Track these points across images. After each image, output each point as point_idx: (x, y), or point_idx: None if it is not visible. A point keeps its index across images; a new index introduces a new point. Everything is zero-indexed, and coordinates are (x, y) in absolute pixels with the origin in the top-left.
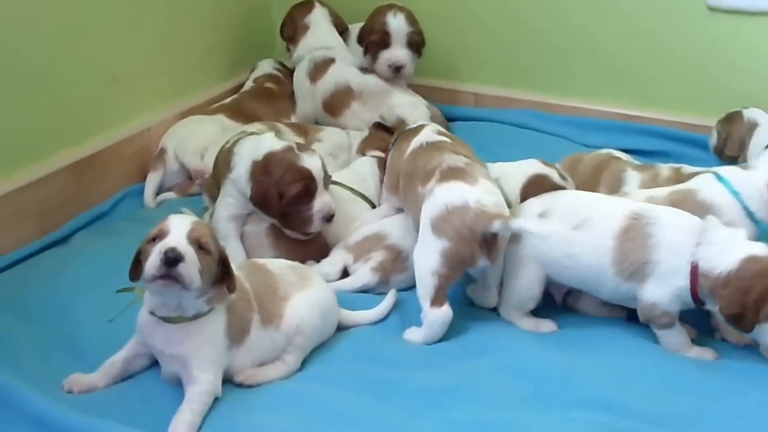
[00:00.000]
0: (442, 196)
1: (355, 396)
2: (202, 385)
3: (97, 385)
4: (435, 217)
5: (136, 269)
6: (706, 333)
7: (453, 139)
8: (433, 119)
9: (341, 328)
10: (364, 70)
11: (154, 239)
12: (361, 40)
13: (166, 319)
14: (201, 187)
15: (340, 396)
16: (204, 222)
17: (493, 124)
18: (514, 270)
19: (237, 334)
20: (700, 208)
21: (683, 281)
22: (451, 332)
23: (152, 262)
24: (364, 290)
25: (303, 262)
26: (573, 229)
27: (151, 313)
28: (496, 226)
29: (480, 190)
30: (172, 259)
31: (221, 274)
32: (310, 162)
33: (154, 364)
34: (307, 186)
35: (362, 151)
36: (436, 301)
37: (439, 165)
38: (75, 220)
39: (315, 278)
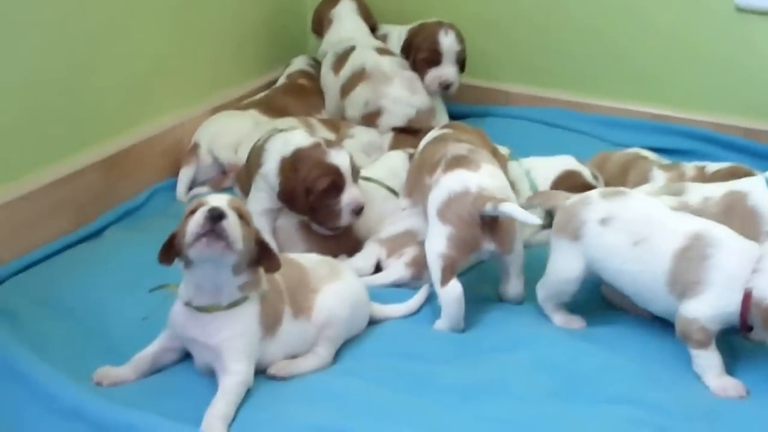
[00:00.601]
0: (445, 184)
1: (388, 390)
2: (236, 375)
3: (126, 379)
4: (440, 205)
5: (168, 251)
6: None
7: (457, 128)
8: (417, 119)
9: (373, 322)
10: (382, 51)
11: (192, 213)
12: (406, 52)
13: (202, 309)
14: (234, 182)
15: (372, 390)
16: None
17: (524, 122)
18: (560, 261)
19: (269, 324)
20: (748, 214)
21: (733, 307)
22: (482, 327)
23: (195, 220)
24: (397, 285)
25: (335, 256)
26: (632, 245)
27: (186, 304)
28: (487, 207)
29: (481, 175)
30: (217, 215)
31: (258, 255)
32: (338, 158)
33: (184, 358)
34: (335, 181)
35: (390, 147)
36: (444, 281)
37: (443, 156)
38: (108, 214)
39: (346, 271)
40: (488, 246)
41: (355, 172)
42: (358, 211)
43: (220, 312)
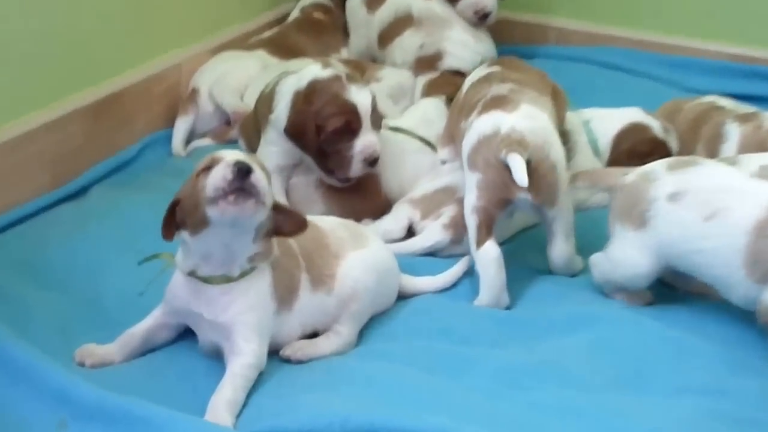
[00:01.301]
0: (477, 127)
1: (422, 375)
2: (246, 356)
3: (113, 359)
4: (470, 150)
5: (171, 223)
6: None
7: (507, 65)
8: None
9: (403, 296)
10: None
11: (206, 169)
12: None
13: (208, 280)
14: (239, 134)
15: (404, 375)
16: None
17: (578, 65)
18: (624, 252)
19: (284, 295)
20: None
21: None
22: (531, 304)
23: (220, 175)
24: (434, 251)
25: (358, 220)
26: (704, 221)
27: (190, 274)
28: (501, 154)
29: (516, 116)
30: (245, 169)
31: (273, 220)
32: (358, 96)
33: (183, 336)
34: (349, 122)
35: (427, 92)
36: (479, 241)
37: (483, 97)
38: (93, 170)
39: (370, 237)
40: (523, 194)
41: (377, 116)
42: (372, 161)
43: (229, 284)
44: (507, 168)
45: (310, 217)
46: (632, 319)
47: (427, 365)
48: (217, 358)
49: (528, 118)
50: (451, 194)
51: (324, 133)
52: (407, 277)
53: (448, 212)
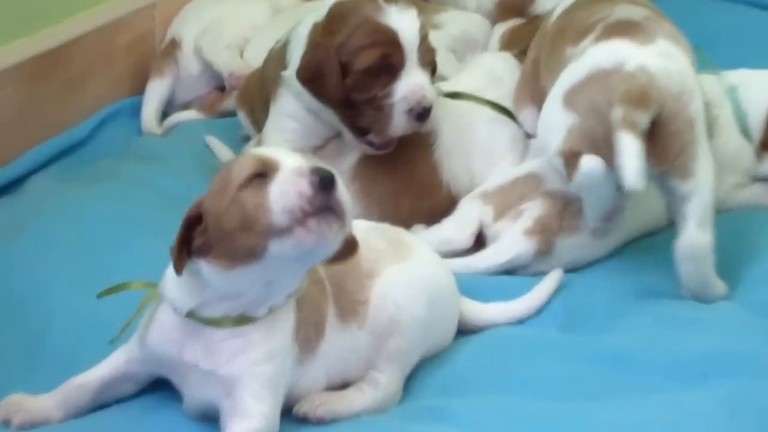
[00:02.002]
0: (591, 56)
1: None
2: (254, 420)
3: (49, 416)
4: (571, 84)
5: (186, 244)
6: None
7: None
8: None
9: (466, 329)
10: None
11: (258, 176)
12: None
13: (214, 322)
14: (238, 104)
15: None
16: None
17: (723, 3)
18: None
19: (308, 338)
20: None
21: None
22: (653, 340)
23: (294, 190)
24: (512, 269)
25: (407, 225)
26: None
27: (189, 315)
28: (614, 112)
29: (650, 52)
30: (329, 179)
31: None
32: (400, 20)
33: (147, 390)
34: (387, 56)
35: (507, 46)
36: (571, 166)
37: (605, 18)
38: (30, 154)
39: (417, 246)
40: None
41: (428, 50)
42: (422, 112)
43: (242, 327)
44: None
45: None
46: None
47: (501, 429)
48: (206, 421)
49: (665, 57)
50: (534, 184)
51: (352, 74)
52: (471, 303)
53: (531, 211)
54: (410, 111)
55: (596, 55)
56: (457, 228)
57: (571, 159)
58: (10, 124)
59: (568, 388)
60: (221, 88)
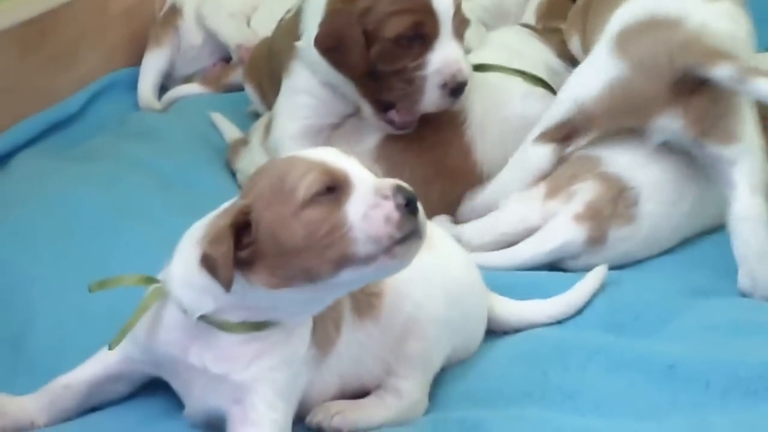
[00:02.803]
0: (647, 6)
1: None
2: (265, 429)
3: (31, 420)
4: (624, 28)
5: (233, 262)
6: None
7: None
8: None
9: (498, 329)
10: None
11: (329, 191)
12: None
13: (229, 327)
14: (245, 77)
15: None
16: None
17: None
18: None
19: (326, 335)
20: None
21: None
22: (710, 348)
23: (385, 214)
24: (560, 257)
25: (437, 213)
26: None
27: (202, 317)
28: (717, 71)
29: (715, 10)
30: (414, 201)
31: None
32: None
33: (143, 394)
34: (420, 24)
35: (543, 19)
36: (546, 136)
37: None
38: (17, 128)
39: (437, 237)
40: (669, 120)
41: (462, 19)
42: (456, 87)
43: (260, 332)
44: (672, 78)
45: None
46: None
47: None
48: (210, 429)
49: (725, 18)
50: (587, 165)
51: (379, 43)
52: (503, 300)
53: (582, 194)
54: (444, 85)
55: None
56: (498, 217)
57: (561, 127)
58: None
59: (614, 402)
60: (226, 60)
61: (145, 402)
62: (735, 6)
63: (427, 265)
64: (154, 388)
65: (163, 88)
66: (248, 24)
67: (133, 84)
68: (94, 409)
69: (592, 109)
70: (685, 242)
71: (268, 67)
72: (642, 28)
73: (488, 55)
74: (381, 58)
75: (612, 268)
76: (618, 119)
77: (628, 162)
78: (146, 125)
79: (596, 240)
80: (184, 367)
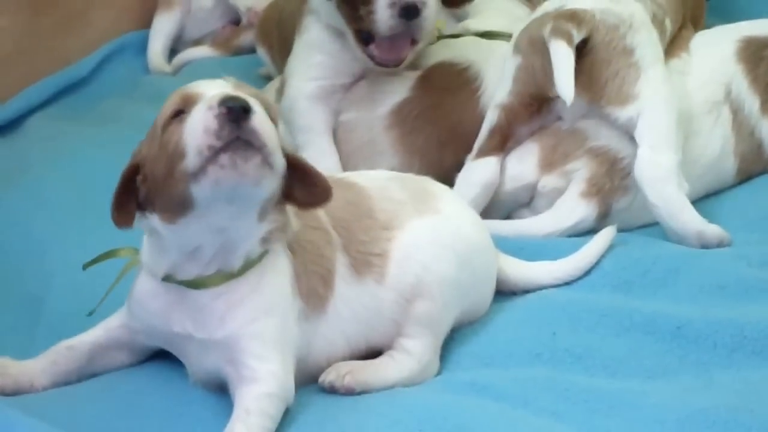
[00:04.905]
0: (541, 7)
1: (545, 422)
2: (263, 383)
3: (32, 382)
4: (520, 32)
5: (125, 201)
6: None
7: None
8: None
9: (507, 289)
10: None
11: (177, 115)
12: None
13: (195, 284)
14: (257, 39)
15: (515, 422)
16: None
17: None
18: None
19: (314, 289)
20: None
21: None
22: (723, 307)
23: (200, 126)
24: (576, 233)
25: (452, 178)
26: None
27: (166, 279)
28: (545, 30)
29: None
30: (239, 108)
31: (286, 185)
32: None
33: (157, 358)
34: None
35: None
36: (481, 150)
37: None
38: (28, 91)
39: (445, 196)
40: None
41: None
42: (405, 7)
43: (226, 284)
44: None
45: (345, 174)
46: None
47: (549, 407)
48: (218, 391)
49: (609, 0)
50: (580, 142)
51: None
52: (511, 261)
53: (580, 172)
54: (393, 4)
55: (546, 4)
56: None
57: (495, 133)
58: (7, 59)
59: (622, 363)
60: (236, 22)
61: (155, 366)
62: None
63: (435, 227)
64: (163, 356)
65: (173, 51)
66: None
67: (143, 47)
68: (95, 376)
69: (509, 104)
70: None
71: (278, 29)
72: (529, 24)
73: (494, 23)
74: None
75: (618, 230)
76: (531, 103)
77: (614, 132)
78: (157, 88)
79: (604, 214)
80: (173, 336)
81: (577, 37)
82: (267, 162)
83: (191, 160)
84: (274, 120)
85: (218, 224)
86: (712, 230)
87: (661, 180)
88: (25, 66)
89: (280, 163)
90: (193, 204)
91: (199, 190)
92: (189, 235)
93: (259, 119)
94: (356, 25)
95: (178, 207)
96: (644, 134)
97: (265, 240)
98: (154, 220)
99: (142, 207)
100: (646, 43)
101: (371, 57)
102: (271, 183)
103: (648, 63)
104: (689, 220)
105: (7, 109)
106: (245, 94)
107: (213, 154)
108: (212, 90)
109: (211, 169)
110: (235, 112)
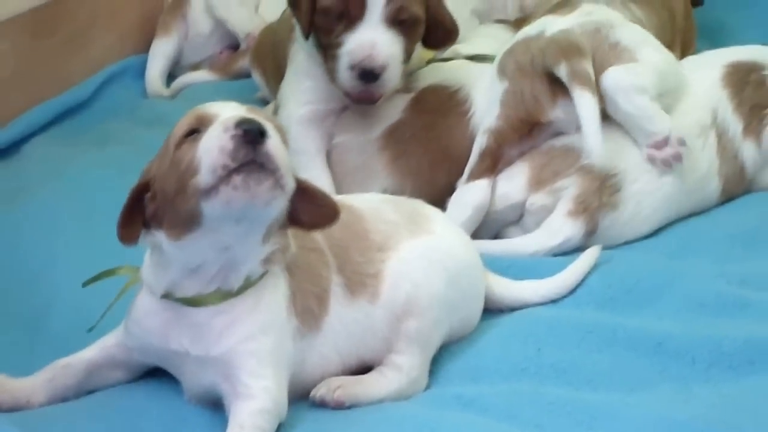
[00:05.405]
0: (522, 30)
1: None
2: (257, 400)
3: (29, 399)
4: (502, 55)
5: (132, 218)
6: None
7: None
8: None
9: (495, 307)
10: None
11: (191, 134)
12: None
13: (194, 302)
14: (252, 63)
15: None
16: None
17: None
18: None
19: (309, 308)
20: None
21: None
22: (700, 323)
23: (217, 145)
24: (563, 251)
25: (444, 200)
26: None
27: (165, 296)
28: (560, 70)
29: (569, 20)
30: (255, 132)
31: (292, 207)
32: None
33: (152, 376)
34: (345, 4)
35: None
36: (473, 174)
37: (547, 5)
38: (29, 114)
39: (436, 219)
40: (556, 113)
41: (400, 8)
42: (365, 73)
43: (225, 302)
44: (545, 78)
45: (343, 197)
46: None
47: (532, 419)
48: (213, 407)
49: (582, 15)
50: (571, 160)
51: (317, 11)
52: (499, 280)
53: (569, 191)
54: (352, 67)
55: (526, 28)
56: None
57: (485, 156)
58: (8, 82)
59: (605, 377)
60: (234, 47)
61: (151, 383)
62: (594, 6)
63: (426, 247)
64: (159, 373)
65: (171, 76)
66: (256, 11)
67: (143, 70)
68: (91, 393)
69: (498, 128)
70: (676, 222)
71: (272, 54)
72: (512, 48)
73: (483, 47)
74: (317, 27)
75: (604, 248)
76: (520, 127)
77: (607, 150)
78: (155, 112)
79: (590, 232)
80: (170, 354)
81: (590, 65)
82: (279, 185)
83: (204, 178)
84: (285, 143)
85: (224, 243)
86: (677, 138)
87: (634, 87)
88: (26, 89)
89: (290, 186)
90: (202, 221)
91: (210, 208)
92: (194, 252)
93: (274, 143)
94: (321, 53)
95: (185, 223)
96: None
97: (267, 261)
98: (159, 236)
99: (148, 224)
100: (630, 32)
101: (347, 95)
102: (280, 205)
103: (638, 44)
104: (660, 121)
105: (8, 131)
106: (259, 117)
107: (226, 174)
108: (227, 111)
109: (224, 189)
110: (251, 135)
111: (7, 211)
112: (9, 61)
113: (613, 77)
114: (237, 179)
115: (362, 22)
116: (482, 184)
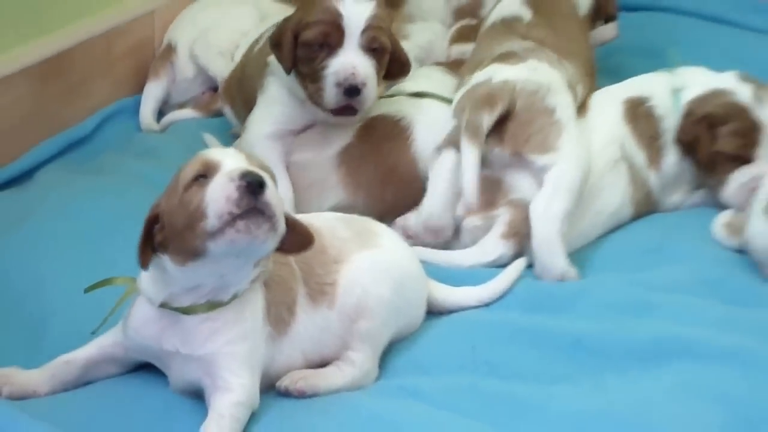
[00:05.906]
0: (473, 79)
1: (464, 421)
2: (235, 393)
3: (35, 389)
4: (457, 100)
5: (148, 247)
6: None
7: (542, 13)
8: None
9: (436, 310)
10: None
11: (198, 178)
12: None
13: (188, 310)
14: (223, 98)
15: (439, 421)
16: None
17: (675, 17)
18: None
19: (279, 317)
20: None
21: None
22: (617, 323)
23: (223, 195)
24: (495, 266)
25: (392, 213)
26: None
27: (163, 305)
28: (461, 117)
29: (515, 70)
30: (257, 183)
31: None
32: (350, 6)
33: (133, 371)
34: (326, 34)
35: (456, 40)
36: (452, 141)
37: (492, 54)
38: (36, 149)
39: (384, 234)
40: (494, 146)
41: (373, 37)
42: (350, 89)
43: (213, 311)
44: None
45: (301, 216)
46: (743, 349)
47: (468, 408)
48: (194, 397)
49: (528, 70)
50: (503, 193)
51: (300, 45)
52: (439, 287)
53: (503, 217)
54: (339, 85)
55: (476, 77)
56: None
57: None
58: (19, 122)
59: (532, 371)
60: (214, 89)
61: (142, 376)
62: (539, 62)
63: (375, 259)
64: (149, 367)
65: (161, 113)
66: (232, 59)
67: (136, 110)
68: (89, 384)
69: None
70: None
71: (239, 89)
72: (465, 93)
73: (423, 85)
74: (301, 59)
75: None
76: None
77: (529, 185)
78: (147, 145)
79: (519, 253)
80: (162, 353)
81: (491, 119)
82: (274, 228)
83: (211, 222)
84: (274, 183)
85: (222, 271)
86: (572, 274)
87: (550, 220)
88: (37, 128)
89: (282, 227)
90: (206, 255)
91: (215, 247)
92: (194, 276)
93: (271, 192)
94: (302, 83)
95: (190, 255)
96: (551, 179)
97: (253, 280)
98: (165, 260)
99: (155, 249)
100: (565, 104)
101: (330, 111)
102: (274, 243)
103: (567, 121)
104: (560, 261)
105: (19, 163)
106: (256, 166)
107: (231, 219)
108: (230, 160)
109: (228, 232)
110: (252, 186)
111: (15, 232)
112: (24, 104)
113: (535, 209)
114: (240, 224)
115: (342, 49)
116: (452, 153)
